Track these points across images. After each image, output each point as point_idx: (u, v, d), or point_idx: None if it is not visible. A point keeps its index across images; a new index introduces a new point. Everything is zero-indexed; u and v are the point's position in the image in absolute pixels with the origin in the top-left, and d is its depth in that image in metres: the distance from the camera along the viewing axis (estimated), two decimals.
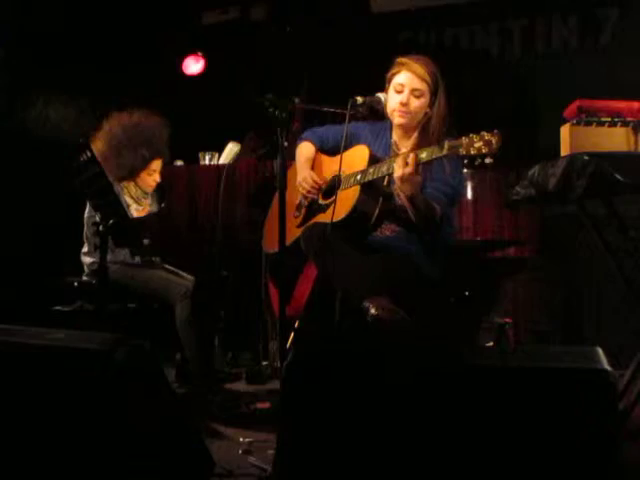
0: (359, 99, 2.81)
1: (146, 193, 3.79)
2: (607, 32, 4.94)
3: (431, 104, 2.89)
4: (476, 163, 2.46)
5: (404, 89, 2.86)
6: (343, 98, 2.80)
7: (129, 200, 3.70)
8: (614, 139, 2.64)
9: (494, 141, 2.42)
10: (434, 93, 2.88)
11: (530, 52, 5.19)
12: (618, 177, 2.33)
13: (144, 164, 3.66)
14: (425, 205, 2.72)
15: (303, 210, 3.09)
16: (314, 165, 3.13)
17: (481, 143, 2.43)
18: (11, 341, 1.97)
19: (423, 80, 2.86)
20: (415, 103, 2.87)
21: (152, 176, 3.73)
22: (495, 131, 2.43)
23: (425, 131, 2.91)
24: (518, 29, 5.22)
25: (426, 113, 2.90)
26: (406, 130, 2.96)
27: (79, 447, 1.81)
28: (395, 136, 3.01)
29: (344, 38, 5.31)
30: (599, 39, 4.96)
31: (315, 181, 3.03)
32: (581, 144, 2.62)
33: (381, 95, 2.90)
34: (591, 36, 4.99)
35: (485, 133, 2.43)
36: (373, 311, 2.58)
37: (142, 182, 3.73)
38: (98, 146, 3.51)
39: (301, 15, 5.50)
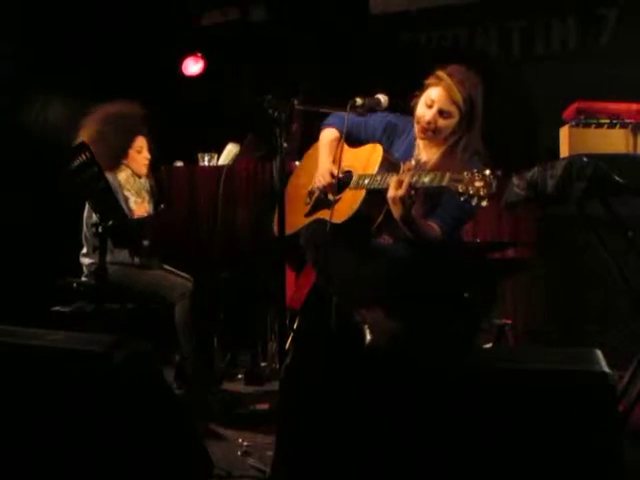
0: (358, 100, 2.75)
1: (141, 178, 3.83)
2: (606, 32, 4.93)
3: (462, 125, 2.72)
4: (473, 203, 2.28)
5: (434, 106, 2.71)
6: (342, 99, 2.78)
7: (128, 193, 3.72)
8: (613, 141, 2.64)
9: (494, 184, 2.26)
10: (467, 113, 2.70)
11: (529, 53, 5.18)
12: (617, 178, 2.34)
13: (129, 141, 3.77)
14: (418, 226, 2.60)
15: (314, 199, 2.97)
16: (335, 153, 2.97)
17: (482, 183, 2.26)
18: (10, 342, 1.97)
19: (455, 103, 2.68)
20: (441, 123, 2.71)
21: (142, 154, 3.84)
22: (498, 172, 2.28)
23: (452, 152, 2.73)
24: (517, 30, 5.22)
25: (454, 132, 2.73)
26: (430, 141, 2.80)
27: (78, 448, 1.81)
28: (421, 142, 2.85)
29: (343, 39, 5.31)
30: (598, 39, 4.95)
31: (333, 175, 2.87)
32: (580, 146, 2.62)
33: (381, 96, 2.81)
34: (590, 36, 4.98)
35: (489, 174, 2.27)
36: (369, 336, 2.53)
37: (135, 163, 3.82)
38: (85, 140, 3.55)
39: (300, 16, 5.50)
